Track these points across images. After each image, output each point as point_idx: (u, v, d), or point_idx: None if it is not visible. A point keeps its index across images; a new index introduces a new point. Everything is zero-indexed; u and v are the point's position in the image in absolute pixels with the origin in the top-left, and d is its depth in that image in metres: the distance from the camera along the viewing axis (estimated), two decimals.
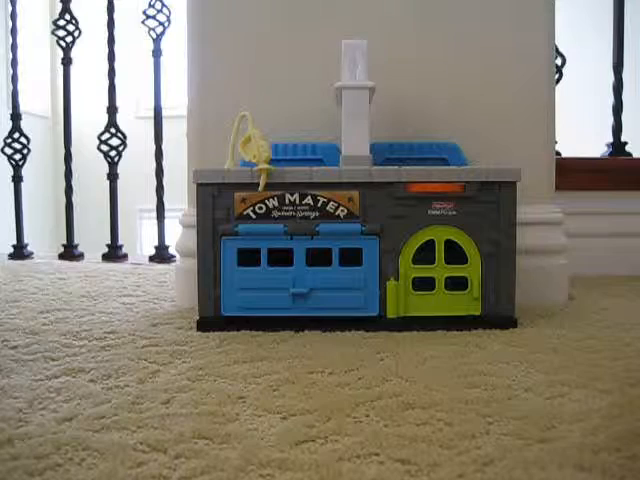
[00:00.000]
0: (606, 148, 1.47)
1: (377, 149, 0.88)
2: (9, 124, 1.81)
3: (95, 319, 0.88)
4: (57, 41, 1.71)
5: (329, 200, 0.80)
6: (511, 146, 0.98)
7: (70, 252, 1.73)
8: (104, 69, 1.69)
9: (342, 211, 0.81)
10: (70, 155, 1.76)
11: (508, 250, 0.81)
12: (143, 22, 1.62)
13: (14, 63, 1.82)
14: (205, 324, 0.81)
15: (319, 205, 0.81)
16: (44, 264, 1.57)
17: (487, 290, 0.81)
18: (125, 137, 1.69)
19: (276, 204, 0.81)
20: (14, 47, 1.82)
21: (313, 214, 0.81)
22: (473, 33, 0.98)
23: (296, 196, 0.81)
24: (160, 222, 1.67)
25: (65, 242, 1.76)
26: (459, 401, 0.53)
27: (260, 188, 0.79)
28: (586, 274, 1.26)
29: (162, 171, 1.67)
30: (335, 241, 0.81)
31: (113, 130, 1.68)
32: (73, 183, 1.77)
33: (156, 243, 1.66)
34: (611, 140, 1.46)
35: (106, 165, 1.70)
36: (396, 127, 0.97)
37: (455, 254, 0.81)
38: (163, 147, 1.67)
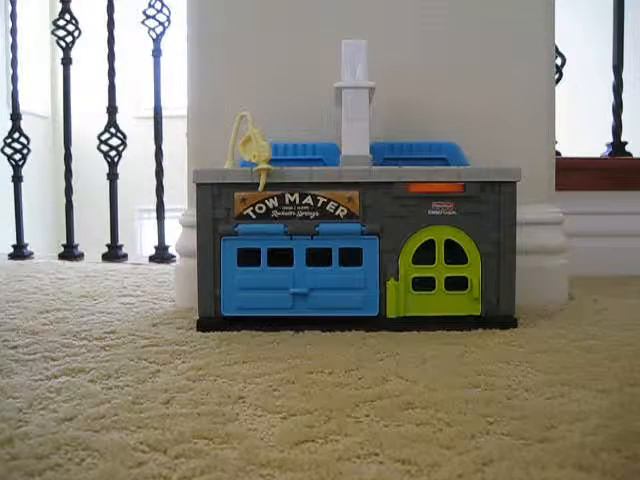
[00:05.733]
0: (606, 148, 1.47)
1: (377, 149, 0.88)
2: (9, 124, 1.81)
3: (95, 319, 0.88)
4: (57, 41, 1.71)
5: (329, 200, 0.80)
6: (511, 146, 0.98)
7: (70, 252, 1.73)
8: (104, 69, 1.69)
9: (342, 211, 0.80)
10: (70, 155, 1.76)
11: (508, 250, 0.81)
12: (143, 22, 1.62)
13: (14, 63, 1.82)
14: (205, 324, 0.81)
15: (319, 205, 0.81)
16: (44, 264, 1.57)
17: (487, 290, 0.81)
18: (125, 137, 1.69)
19: (276, 204, 0.81)
20: (14, 47, 1.82)
21: (313, 214, 0.81)
22: (473, 33, 0.98)
23: (296, 196, 0.81)
24: (160, 222, 1.67)
25: (65, 242, 1.76)
26: (459, 401, 0.53)
27: (260, 188, 0.79)
28: (586, 274, 1.26)
29: (162, 171, 1.67)
30: (335, 241, 0.81)
31: (113, 130, 1.68)
32: (73, 183, 1.77)
33: (156, 243, 1.66)
34: (611, 140, 1.46)
35: (106, 165, 1.70)
36: (396, 127, 0.97)
37: (455, 254, 0.81)
38: (163, 147, 1.67)
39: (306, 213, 0.81)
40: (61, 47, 1.72)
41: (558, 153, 1.35)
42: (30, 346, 0.72)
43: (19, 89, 1.83)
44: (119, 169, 1.71)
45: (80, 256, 1.74)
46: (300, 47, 0.98)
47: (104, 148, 1.68)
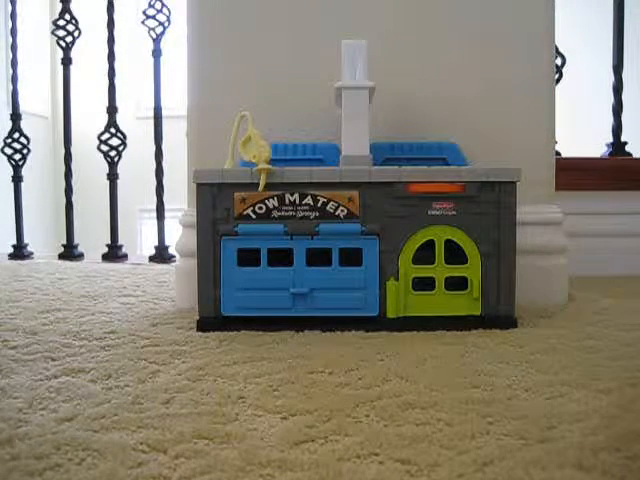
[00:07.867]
0: (606, 148, 1.47)
1: (377, 149, 0.88)
2: (9, 124, 1.81)
3: (95, 319, 0.88)
4: (57, 41, 1.71)
5: (329, 200, 0.80)
6: (511, 146, 0.98)
7: (70, 252, 1.73)
8: (104, 69, 1.69)
9: (342, 211, 0.80)
10: (70, 155, 1.76)
11: (508, 250, 0.81)
12: (143, 22, 1.62)
13: (14, 63, 1.82)
14: (205, 324, 0.81)
15: (319, 205, 0.81)
16: (44, 264, 1.57)
17: (487, 290, 0.81)
18: (125, 137, 1.69)
19: (276, 204, 0.81)
20: (14, 47, 1.82)
21: (313, 214, 0.81)
22: (473, 33, 0.98)
23: (296, 196, 0.81)
24: (160, 222, 1.67)
25: (65, 242, 1.76)
26: (459, 401, 0.53)
27: (260, 188, 0.79)
28: (586, 274, 1.26)
29: (162, 171, 1.67)
30: (335, 241, 0.81)
31: (113, 130, 1.68)
32: (73, 183, 1.77)
33: (156, 243, 1.66)
34: (611, 140, 1.46)
35: (106, 165, 1.70)
36: (396, 127, 0.97)
37: (455, 254, 0.81)
38: (163, 147, 1.67)
39: (306, 213, 0.81)
40: (61, 47, 1.72)
41: (558, 153, 1.35)
42: (30, 346, 0.72)
43: (19, 89, 1.83)
44: (119, 169, 1.71)
45: (80, 256, 1.74)
46: (300, 47, 0.98)
47: (104, 148, 1.68)
